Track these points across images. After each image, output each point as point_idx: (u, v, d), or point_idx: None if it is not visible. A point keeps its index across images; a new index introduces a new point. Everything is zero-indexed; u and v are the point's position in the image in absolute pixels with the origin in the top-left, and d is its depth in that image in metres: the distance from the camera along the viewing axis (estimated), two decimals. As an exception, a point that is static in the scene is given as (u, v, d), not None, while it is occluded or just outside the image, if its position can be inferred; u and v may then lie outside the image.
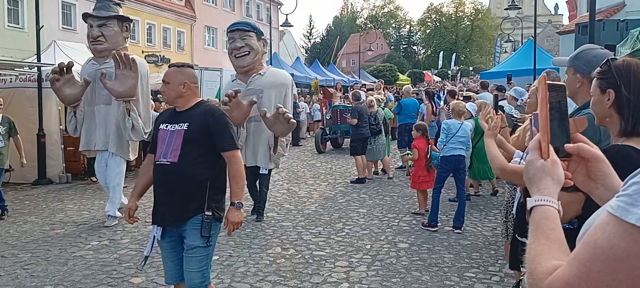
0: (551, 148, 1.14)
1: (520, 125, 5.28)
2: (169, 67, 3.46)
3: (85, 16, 7.31)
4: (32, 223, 7.09)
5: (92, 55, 7.35)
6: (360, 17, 79.42)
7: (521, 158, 2.83)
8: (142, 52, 26.62)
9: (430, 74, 51.16)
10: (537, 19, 19.70)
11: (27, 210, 7.87)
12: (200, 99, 3.45)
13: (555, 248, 0.98)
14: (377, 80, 27.70)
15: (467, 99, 9.18)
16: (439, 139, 6.89)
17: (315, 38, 75.72)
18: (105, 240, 6.17)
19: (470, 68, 61.77)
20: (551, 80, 1.18)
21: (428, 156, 7.28)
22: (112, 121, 6.91)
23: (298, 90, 21.96)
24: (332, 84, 23.19)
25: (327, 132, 15.01)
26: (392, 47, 73.85)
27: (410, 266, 5.27)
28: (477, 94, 11.66)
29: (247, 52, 7.07)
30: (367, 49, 45.92)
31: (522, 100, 6.99)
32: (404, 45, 77.04)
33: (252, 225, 6.88)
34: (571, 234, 1.05)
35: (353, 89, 17.16)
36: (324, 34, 74.93)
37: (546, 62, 15.77)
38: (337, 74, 31.81)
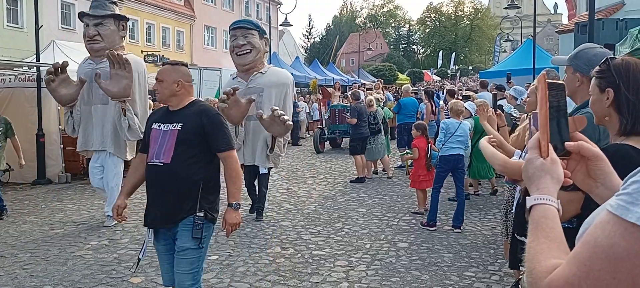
0: (550, 147, 1.14)
1: (519, 124, 5.29)
2: (163, 65, 3.40)
3: (82, 15, 7.24)
4: (32, 223, 7.08)
5: (88, 55, 7.29)
6: (360, 17, 79.41)
7: (519, 157, 2.82)
8: (142, 51, 26.61)
9: (429, 74, 51.15)
10: (537, 18, 19.71)
11: (26, 210, 7.86)
12: (195, 98, 3.38)
13: (554, 247, 0.98)
14: (376, 80, 27.71)
15: (466, 98, 9.18)
16: (438, 138, 6.89)
17: (314, 37, 75.78)
18: (104, 240, 6.17)
19: (470, 67, 61.78)
20: (550, 79, 1.18)
21: (428, 155, 7.28)
22: (109, 121, 6.86)
23: (297, 89, 21.95)
24: (332, 84, 23.18)
25: (326, 132, 14.95)
26: (392, 47, 73.85)
27: (409, 265, 5.27)
28: (476, 93, 11.67)
29: (248, 50, 7.04)
30: (366, 49, 45.93)
31: (521, 99, 7.01)
32: (403, 44, 77.04)
33: (251, 224, 6.88)
34: (570, 233, 1.05)
35: (351, 89, 17.16)
36: (324, 34, 74.96)
37: (545, 61, 15.78)
38: (336, 74, 31.80)
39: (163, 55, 27.03)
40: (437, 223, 6.64)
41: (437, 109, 11.53)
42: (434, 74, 52.62)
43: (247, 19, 8.74)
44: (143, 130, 7.04)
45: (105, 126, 6.89)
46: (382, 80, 26.80)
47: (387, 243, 6.02)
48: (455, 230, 6.44)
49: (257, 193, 7.29)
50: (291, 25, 25.13)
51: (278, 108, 6.64)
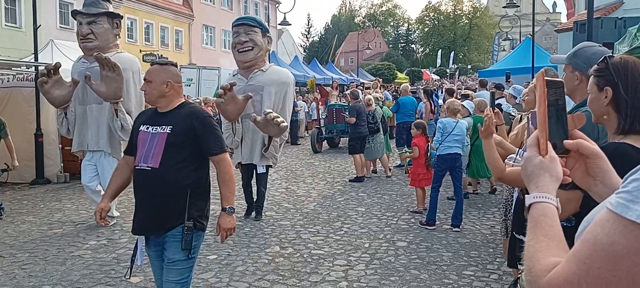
0: (549, 145, 1.13)
1: (514, 120, 5.29)
2: (151, 65, 3.25)
3: (75, 13, 7.13)
4: (30, 223, 7.07)
5: (82, 54, 7.18)
6: (359, 16, 79.47)
7: (517, 154, 2.82)
8: (140, 51, 26.64)
9: (428, 72, 51.20)
10: (536, 17, 19.72)
11: (25, 210, 7.85)
12: (184, 99, 3.27)
13: (554, 245, 0.98)
14: (374, 79, 27.71)
15: (465, 97, 9.18)
16: (435, 137, 6.89)
17: (313, 37, 75.84)
18: (103, 240, 6.17)
19: (469, 66, 61.82)
20: (549, 77, 1.17)
21: (427, 154, 7.29)
22: (105, 121, 6.78)
23: (296, 89, 21.94)
24: (330, 83, 23.18)
25: (323, 132, 14.88)
26: (391, 46, 73.89)
27: (408, 264, 5.27)
28: (475, 92, 11.67)
29: (250, 48, 7.01)
30: (365, 48, 45.92)
31: (520, 98, 7.00)
32: (402, 43, 77.08)
33: (250, 224, 6.87)
34: (569, 232, 1.05)
35: (349, 88, 17.15)
36: (322, 33, 75.00)
37: (544, 60, 15.80)
38: (335, 73, 31.81)
39: (161, 55, 27.04)
40: (436, 222, 6.64)
41: (436, 108, 11.53)
42: (433, 72, 52.67)
43: (250, 16, 8.68)
44: None
45: (100, 126, 6.81)
46: (380, 80, 26.80)
47: (386, 243, 6.02)
48: (454, 229, 6.45)
49: (253, 194, 7.24)
50: (290, 25, 25.14)
51: (271, 111, 6.56)
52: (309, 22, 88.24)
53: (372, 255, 5.55)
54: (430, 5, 71.88)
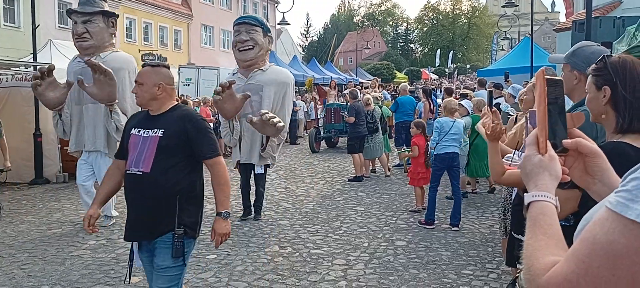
0: (549, 143, 1.13)
1: (509, 120, 5.29)
2: (143, 66, 3.17)
3: (70, 12, 7.04)
4: (29, 223, 7.07)
5: (78, 53, 7.06)
6: (358, 15, 79.45)
7: (514, 155, 2.82)
8: (139, 50, 26.57)
9: (427, 72, 51.20)
10: (534, 16, 19.73)
11: (24, 210, 7.85)
12: (177, 102, 3.19)
13: (552, 243, 0.98)
14: (372, 78, 27.69)
15: (464, 96, 9.19)
16: (432, 137, 6.89)
17: (312, 36, 75.80)
18: (102, 240, 6.16)
19: (468, 65, 61.82)
20: (549, 76, 1.17)
21: (427, 153, 7.29)
22: (101, 120, 6.70)
23: (295, 88, 21.91)
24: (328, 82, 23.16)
25: (322, 132, 14.83)
26: (390, 45, 73.87)
27: (407, 264, 5.27)
28: (473, 91, 11.68)
29: (251, 47, 6.99)
30: (364, 47, 45.87)
31: (518, 98, 7.00)
32: (401, 43, 77.07)
33: (249, 223, 6.87)
34: (567, 231, 1.05)
35: (348, 88, 17.11)
36: (321, 32, 74.97)
37: (543, 59, 15.80)
38: (334, 72, 31.79)
39: (160, 55, 27.01)
40: (435, 222, 6.64)
41: (435, 107, 11.54)
42: (432, 72, 52.66)
43: (252, 15, 8.63)
44: None
45: (97, 126, 6.72)
46: (378, 79, 26.80)
47: (385, 242, 6.02)
48: (453, 229, 6.45)
49: (251, 195, 7.20)
50: (289, 24, 25.11)
51: (267, 111, 6.53)
52: (307, 22, 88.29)
53: (371, 255, 5.55)
54: (429, 4, 71.89)
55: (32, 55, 10.44)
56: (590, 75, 1.79)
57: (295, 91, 20.67)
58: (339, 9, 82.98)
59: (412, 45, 77.22)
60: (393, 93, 21.14)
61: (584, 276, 0.85)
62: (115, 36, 7.15)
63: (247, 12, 38.31)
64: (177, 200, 2.91)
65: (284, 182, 9.98)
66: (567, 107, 1.82)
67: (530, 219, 1.05)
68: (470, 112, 7.81)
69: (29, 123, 9.74)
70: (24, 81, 10.10)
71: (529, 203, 1.08)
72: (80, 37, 6.79)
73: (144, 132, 3.00)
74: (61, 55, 11.38)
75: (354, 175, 10.05)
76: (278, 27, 37.35)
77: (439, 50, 60.63)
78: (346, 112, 11.26)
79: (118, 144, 6.99)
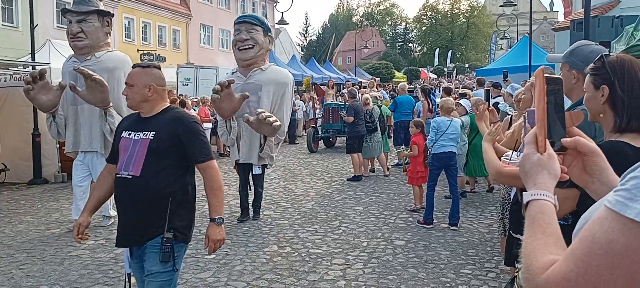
0: (548, 142, 1.13)
1: (504, 120, 5.30)
2: (133, 67, 3.09)
3: (64, 12, 6.96)
4: (28, 223, 7.06)
5: (73, 53, 6.99)
6: (356, 15, 79.44)
7: (513, 154, 2.82)
8: (138, 50, 26.57)
9: (426, 71, 51.21)
10: (533, 15, 19.73)
11: (22, 210, 7.84)
12: (168, 104, 3.10)
13: (551, 242, 0.98)
14: (370, 78, 27.70)
15: (462, 96, 9.19)
16: (429, 136, 6.89)
17: (311, 36, 75.76)
18: (101, 240, 6.16)
19: (466, 65, 61.86)
20: (548, 75, 1.17)
21: (426, 152, 7.30)
22: (97, 121, 6.64)
23: (294, 88, 21.86)
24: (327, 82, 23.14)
25: (320, 131, 14.79)
26: (388, 45, 73.87)
27: (406, 263, 5.28)
28: (472, 90, 11.68)
29: (251, 46, 6.97)
30: (363, 47, 45.86)
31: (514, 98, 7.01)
32: (399, 42, 77.07)
33: (248, 223, 6.87)
34: (566, 230, 1.05)
35: (346, 87, 17.10)
36: (320, 32, 74.93)
37: (541, 58, 15.80)
38: (333, 72, 31.78)
39: (159, 54, 27.00)
40: (434, 221, 6.65)
41: (433, 106, 11.53)
42: (431, 71, 52.68)
43: (253, 14, 8.58)
44: None
45: (93, 126, 6.65)
46: (377, 79, 26.80)
47: (384, 241, 6.02)
48: (451, 228, 6.46)
49: (250, 196, 7.18)
50: (287, 24, 25.05)
51: (264, 110, 6.50)
52: (306, 21, 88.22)
53: (370, 254, 5.55)
54: (428, 4, 71.89)
55: (30, 55, 10.41)
56: (589, 74, 1.79)
57: (295, 91, 20.66)
58: (337, 8, 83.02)
59: (410, 44, 77.22)
60: (392, 92, 21.13)
61: (583, 275, 0.85)
62: (110, 35, 7.07)
63: (246, 11, 38.29)
64: (169, 204, 2.84)
65: (283, 181, 9.98)
66: (566, 107, 1.82)
67: (529, 218, 1.05)
68: (468, 111, 7.81)
69: (27, 123, 9.73)
70: (22, 81, 10.08)
71: (527, 202, 1.07)
72: (75, 36, 6.72)
73: (134, 135, 2.93)
74: (60, 55, 11.32)
75: (353, 175, 10.05)
76: (277, 26, 37.32)
77: (437, 49, 60.62)
78: (345, 112, 11.26)
79: None
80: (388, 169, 10.60)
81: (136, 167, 2.86)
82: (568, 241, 0.96)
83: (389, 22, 79.26)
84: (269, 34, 7.28)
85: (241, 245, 5.89)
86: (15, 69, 10.46)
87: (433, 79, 43.12)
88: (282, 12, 25.20)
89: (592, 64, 1.78)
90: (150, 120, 2.97)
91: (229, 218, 7.23)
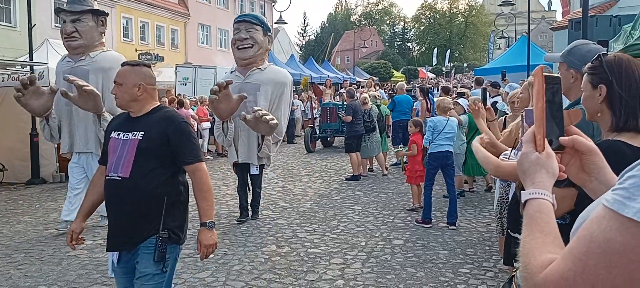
0: (546, 141, 1.13)
1: (500, 119, 5.30)
2: (122, 65, 2.99)
3: (58, 11, 6.85)
4: (26, 223, 7.05)
5: (67, 52, 6.89)
6: (355, 14, 79.49)
7: (511, 153, 2.82)
8: (136, 50, 26.54)
9: (424, 71, 51.25)
10: (531, 15, 19.75)
11: (20, 210, 7.83)
12: (158, 103, 3.02)
13: (549, 241, 0.98)
14: (368, 77, 27.68)
15: (461, 95, 9.20)
16: (425, 136, 6.90)
17: (309, 35, 75.75)
18: (99, 240, 6.15)
19: (465, 64, 61.93)
20: (547, 73, 1.17)
21: (425, 151, 7.30)
22: (91, 121, 6.52)
23: (293, 88, 21.82)
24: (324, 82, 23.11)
25: (317, 131, 14.74)
26: (387, 44, 73.92)
27: (405, 262, 5.28)
28: (470, 90, 11.69)
29: (250, 45, 6.95)
30: (361, 46, 45.88)
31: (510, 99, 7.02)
32: (398, 42, 77.11)
33: (247, 223, 6.87)
34: (563, 230, 1.05)
35: (343, 86, 17.07)
36: (319, 31, 74.96)
37: (539, 58, 15.83)
38: (331, 71, 31.78)
39: (157, 54, 26.96)
40: (432, 221, 6.65)
41: (432, 106, 11.54)
42: (429, 71, 52.75)
43: (252, 13, 8.53)
44: None
45: (88, 127, 6.55)
46: (375, 78, 26.78)
47: (382, 241, 6.02)
48: (450, 227, 6.46)
49: (249, 196, 7.15)
50: (286, 23, 25.03)
51: (260, 108, 6.47)
52: (305, 21, 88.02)
53: (368, 254, 5.55)
54: (426, 3, 71.94)
55: (28, 55, 10.39)
56: (586, 73, 1.79)
57: (293, 90, 20.63)
58: (336, 7, 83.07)
59: (409, 44, 77.27)
60: (390, 92, 21.14)
61: (581, 274, 0.85)
62: (105, 35, 6.95)
63: (244, 10, 38.26)
64: (164, 203, 2.78)
65: (282, 181, 9.98)
66: (564, 106, 1.82)
67: (527, 217, 1.05)
68: (466, 110, 7.82)
69: (25, 123, 9.71)
70: (19, 81, 10.08)
71: (525, 201, 1.07)
72: (69, 36, 6.62)
73: (123, 135, 2.86)
74: (57, 54, 11.28)
75: (352, 174, 10.05)
76: (275, 26, 37.31)
77: (436, 49, 60.71)
78: (343, 111, 11.26)
79: None
80: (386, 169, 10.60)
81: (125, 169, 2.79)
82: (566, 240, 0.96)
83: (388, 22, 79.31)
84: (269, 33, 7.26)
85: (240, 245, 5.88)
86: (13, 68, 10.44)
87: (431, 79, 43.15)
88: (281, 12, 25.26)
89: (589, 63, 1.78)
90: (140, 119, 2.89)
91: (228, 218, 7.23)
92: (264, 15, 30.76)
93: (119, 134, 2.88)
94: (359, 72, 39.34)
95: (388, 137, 12.18)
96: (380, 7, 78.34)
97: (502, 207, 4.67)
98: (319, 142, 14.87)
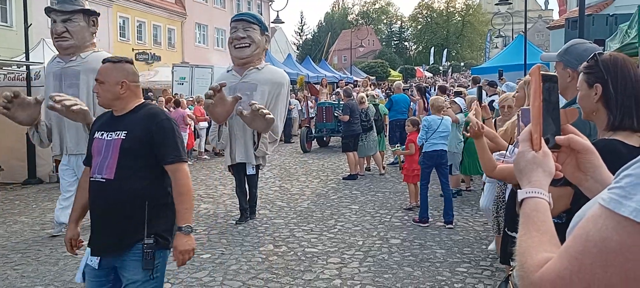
0: (542, 139, 1.13)
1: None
2: (103, 62, 2.88)
3: (48, 11, 6.65)
4: (23, 223, 7.03)
5: (57, 53, 6.72)
6: (352, 13, 79.46)
7: (506, 152, 2.82)
8: (133, 49, 26.50)
9: (421, 70, 51.29)
10: (528, 14, 19.80)
11: (17, 210, 7.80)
12: (142, 100, 2.91)
13: (546, 240, 0.98)
14: (364, 76, 27.69)
15: (458, 94, 9.21)
16: (419, 135, 6.90)
17: (306, 35, 75.71)
18: (96, 239, 6.13)
19: (462, 63, 62.01)
20: (544, 72, 1.17)
21: (422, 149, 7.32)
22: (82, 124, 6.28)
23: (290, 87, 21.80)
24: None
25: (312, 131, 14.69)
26: (384, 43, 73.91)
27: (402, 262, 5.28)
28: (467, 89, 11.71)
29: (247, 44, 6.91)
30: (358, 45, 45.90)
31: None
32: (395, 41, 77.14)
33: (244, 222, 6.86)
34: (559, 228, 1.05)
35: (340, 86, 17.06)
36: (316, 31, 74.93)
37: (536, 57, 15.87)
38: (328, 71, 31.78)
39: (154, 54, 26.93)
40: (429, 220, 6.66)
41: (428, 105, 11.56)
42: (426, 70, 52.78)
43: (250, 12, 8.46)
44: None
45: (79, 128, 6.34)
46: (371, 77, 26.79)
47: (379, 240, 6.03)
48: (447, 226, 6.47)
49: (247, 196, 7.12)
50: (283, 22, 25.04)
51: (256, 102, 6.39)
52: (302, 20, 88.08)
53: (365, 253, 5.56)
54: (423, 2, 71.96)
55: (24, 55, 10.36)
56: (582, 73, 1.79)
57: (290, 89, 20.60)
58: (333, 7, 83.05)
59: (406, 43, 77.30)
60: (387, 91, 21.14)
61: (577, 273, 0.85)
62: (96, 35, 6.78)
63: (241, 10, 38.18)
64: (146, 207, 2.65)
65: (279, 180, 9.97)
66: (560, 105, 1.82)
67: (523, 216, 1.05)
68: (463, 109, 7.83)
69: (21, 123, 9.68)
70: (17, 80, 10.04)
71: (522, 200, 1.07)
72: (59, 36, 6.45)
73: (107, 135, 2.76)
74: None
75: (349, 174, 10.05)
76: (272, 25, 37.28)
77: (433, 48, 60.75)
78: (340, 111, 11.25)
79: None
80: (384, 168, 10.61)
81: (109, 170, 2.69)
82: (562, 239, 0.96)
83: (385, 21, 79.31)
84: (266, 32, 7.23)
85: (237, 245, 5.88)
86: (10, 68, 10.41)
87: (428, 78, 43.20)
88: (278, 11, 25.16)
89: (585, 63, 1.78)
90: (123, 118, 2.79)
91: (225, 217, 7.23)
92: (261, 14, 30.67)
93: (102, 134, 2.78)
94: (356, 72, 39.34)
95: (385, 136, 12.19)
96: (377, 6, 78.35)
97: (498, 205, 4.68)
98: (314, 142, 14.83)
